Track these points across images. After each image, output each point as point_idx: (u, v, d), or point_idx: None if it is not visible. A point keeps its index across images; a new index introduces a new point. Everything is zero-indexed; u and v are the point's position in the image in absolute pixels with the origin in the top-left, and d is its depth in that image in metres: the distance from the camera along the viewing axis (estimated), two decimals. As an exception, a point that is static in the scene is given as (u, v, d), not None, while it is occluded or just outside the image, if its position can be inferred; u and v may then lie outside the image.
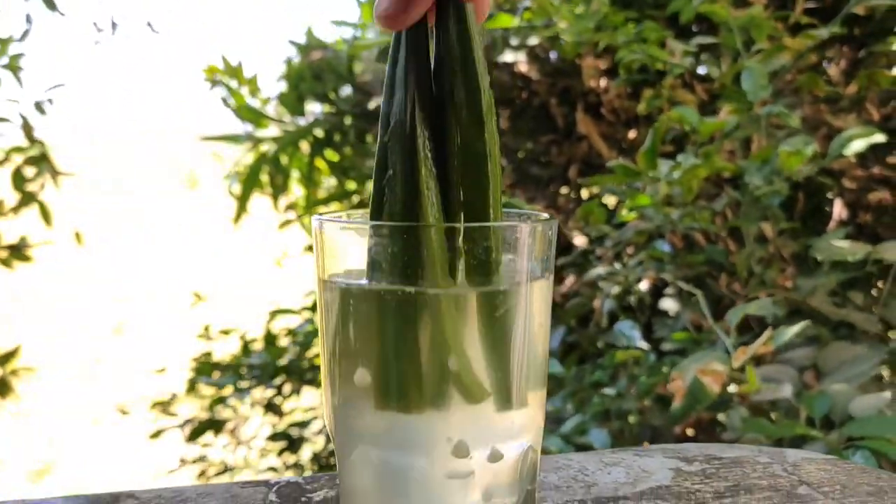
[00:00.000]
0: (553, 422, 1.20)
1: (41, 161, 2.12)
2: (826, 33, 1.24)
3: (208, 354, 2.23)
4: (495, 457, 0.38)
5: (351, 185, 2.43)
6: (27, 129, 2.11)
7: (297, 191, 2.49)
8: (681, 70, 1.40)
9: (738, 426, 0.97)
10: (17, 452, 3.26)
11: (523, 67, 1.90)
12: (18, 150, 2.12)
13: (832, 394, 0.93)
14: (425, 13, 0.38)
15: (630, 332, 1.28)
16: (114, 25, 2.50)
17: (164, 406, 2.17)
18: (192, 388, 2.18)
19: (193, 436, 2.10)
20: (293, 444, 2.10)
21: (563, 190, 2.03)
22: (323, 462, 2.09)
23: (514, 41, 1.82)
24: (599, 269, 1.48)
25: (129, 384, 3.68)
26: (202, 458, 2.15)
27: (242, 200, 2.30)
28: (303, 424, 2.14)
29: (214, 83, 2.28)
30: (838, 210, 1.44)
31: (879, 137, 1.11)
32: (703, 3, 1.32)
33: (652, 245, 1.43)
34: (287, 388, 2.16)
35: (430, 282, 0.36)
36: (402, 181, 0.37)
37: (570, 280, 1.77)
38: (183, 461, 2.15)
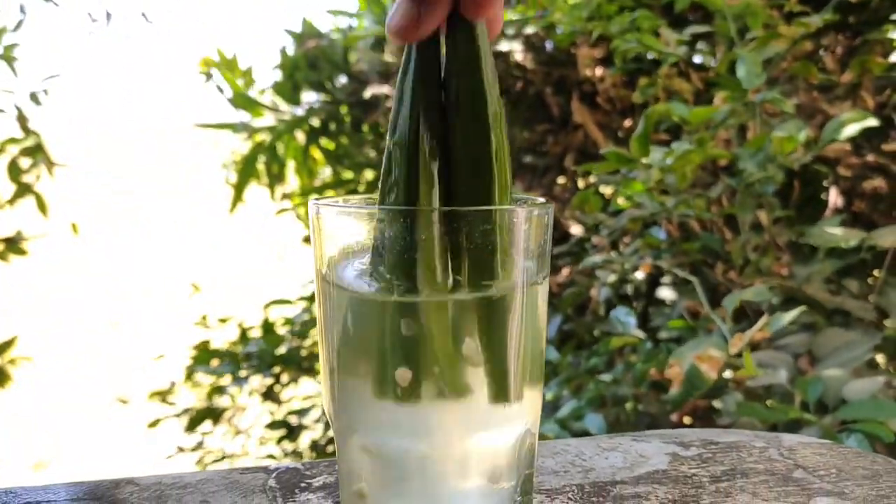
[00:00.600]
0: (550, 409, 1.20)
1: (36, 152, 2.12)
2: (819, 21, 1.24)
3: (206, 342, 2.23)
4: (493, 442, 0.38)
5: (347, 174, 2.43)
6: (22, 119, 2.10)
7: (293, 181, 2.49)
8: (675, 59, 1.40)
9: (734, 411, 0.98)
10: (15, 443, 3.27)
11: (519, 56, 1.90)
12: (13, 140, 2.11)
13: (826, 379, 0.93)
14: (437, 27, 0.38)
15: (626, 320, 1.28)
16: (108, 16, 2.49)
17: (162, 395, 2.17)
18: (190, 375, 2.18)
19: (192, 425, 2.11)
20: (292, 432, 2.11)
21: (560, 179, 2.03)
22: (322, 450, 2.09)
23: (509, 30, 1.82)
24: (596, 258, 1.48)
25: (127, 375, 3.68)
26: (200, 446, 2.16)
27: (239, 188, 2.30)
28: (301, 412, 2.14)
29: (209, 76, 2.28)
30: (834, 198, 1.44)
31: (872, 122, 1.11)
32: (699, -9, 1.32)
33: (647, 232, 1.43)
34: (285, 376, 2.16)
35: (428, 273, 0.36)
36: (404, 187, 0.38)
37: (566, 269, 1.77)
38: (181, 449, 2.15)
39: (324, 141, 2.37)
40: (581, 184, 1.99)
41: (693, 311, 1.38)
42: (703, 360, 1.04)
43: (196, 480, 0.50)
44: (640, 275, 1.54)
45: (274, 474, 0.51)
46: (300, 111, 2.34)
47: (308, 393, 2.26)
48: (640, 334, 1.31)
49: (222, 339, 2.29)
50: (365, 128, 2.31)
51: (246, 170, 2.31)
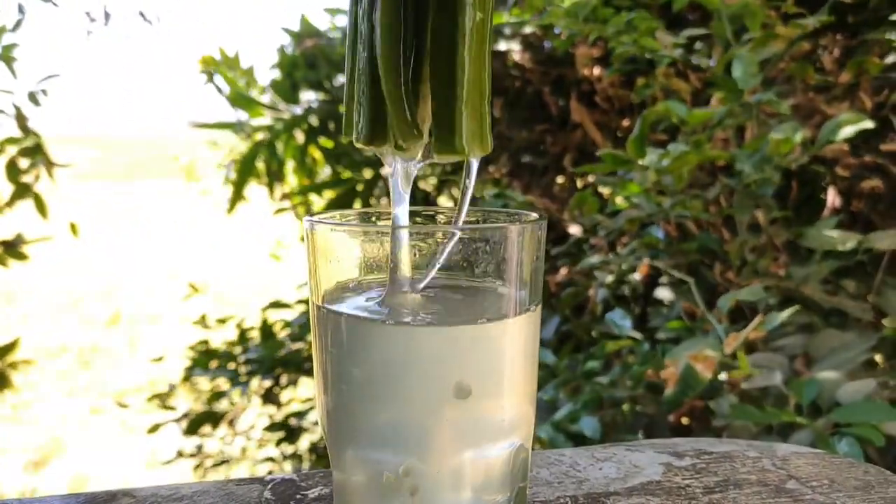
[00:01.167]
0: (546, 411, 1.21)
1: (35, 152, 2.12)
2: (815, 22, 1.24)
3: (205, 342, 2.23)
4: (486, 456, 0.39)
5: (346, 174, 2.43)
6: (21, 119, 2.10)
7: (292, 181, 2.49)
8: (670, 60, 1.40)
9: (727, 413, 0.98)
10: (15, 443, 3.27)
11: (517, 56, 1.90)
12: (12, 141, 2.11)
13: (821, 381, 0.94)
14: None
15: (622, 322, 1.28)
16: (107, 16, 2.49)
17: (161, 398, 2.17)
18: (188, 377, 2.18)
19: (191, 429, 2.11)
20: (291, 434, 2.11)
21: (559, 179, 2.03)
22: (321, 452, 2.10)
23: (507, 30, 1.81)
24: (593, 258, 1.49)
25: (126, 376, 3.69)
26: (199, 450, 2.16)
27: (238, 187, 2.30)
28: (300, 415, 2.14)
29: (210, 75, 2.27)
30: (832, 198, 1.44)
31: (868, 124, 1.11)
32: (696, -9, 1.32)
33: (645, 232, 1.43)
34: (284, 379, 2.17)
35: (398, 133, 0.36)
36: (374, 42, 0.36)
37: (564, 269, 1.77)
38: (180, 454, 2.15)
39: (322, 140, 2.37)
40: (580, 183, 1.99)
41: (691, 312, 1.39)
42: (698, 360, 1.04)
43: (192, 492, 0.51)
44: (638, 276, 1.54)
45: (269, 486, 0.51)
46: (299, 110, 2.34)
47: (307, 395, 2.27)
48: (637, 335, 1.31)
49: (221, 338, 2.29)
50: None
51: (245, 169, 2.31)
